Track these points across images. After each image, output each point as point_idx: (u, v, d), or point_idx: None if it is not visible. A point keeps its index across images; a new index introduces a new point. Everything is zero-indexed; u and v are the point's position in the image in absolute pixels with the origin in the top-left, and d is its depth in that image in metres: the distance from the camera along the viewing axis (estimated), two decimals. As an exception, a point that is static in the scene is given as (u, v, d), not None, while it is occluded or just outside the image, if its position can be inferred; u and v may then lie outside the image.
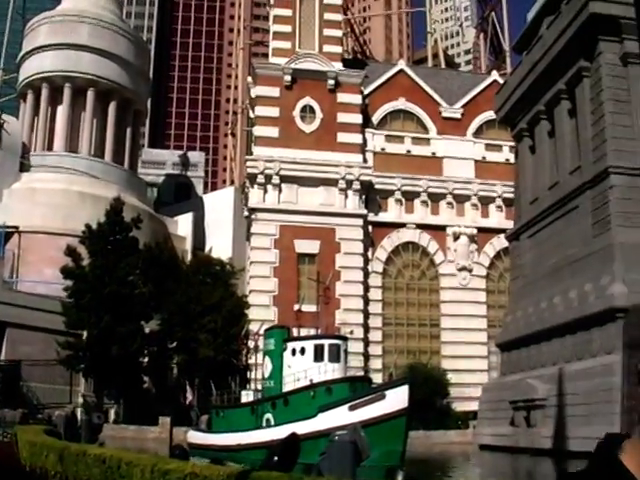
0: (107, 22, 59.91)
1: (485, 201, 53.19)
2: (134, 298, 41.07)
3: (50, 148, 58.56)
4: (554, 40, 23.24)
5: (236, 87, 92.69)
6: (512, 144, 34.58)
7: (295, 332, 30.89)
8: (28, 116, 59.93)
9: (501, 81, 46.36)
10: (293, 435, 8.79)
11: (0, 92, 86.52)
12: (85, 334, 40.48)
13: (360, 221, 50.43)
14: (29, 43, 60.34)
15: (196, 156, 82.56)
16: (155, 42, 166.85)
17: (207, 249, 58.06)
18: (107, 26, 59.69)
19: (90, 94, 58.77)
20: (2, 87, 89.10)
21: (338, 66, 52.66)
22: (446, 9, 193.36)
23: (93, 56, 58.52)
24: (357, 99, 52.14)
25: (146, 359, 43.65)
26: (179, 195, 73.23)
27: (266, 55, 57.26)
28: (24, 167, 56.96)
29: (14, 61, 65.34)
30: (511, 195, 35.85)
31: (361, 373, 39.44)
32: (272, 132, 50.57)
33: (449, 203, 52.87)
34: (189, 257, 56.27)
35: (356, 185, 50.26)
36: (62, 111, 58.78)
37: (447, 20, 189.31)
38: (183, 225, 64.34)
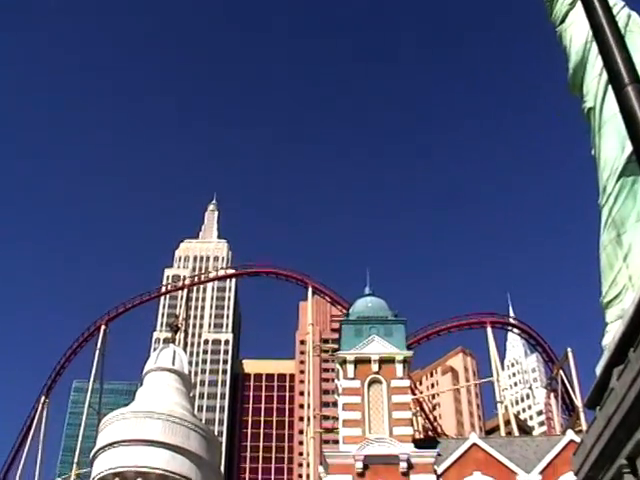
0: (178, 418, 61.17)
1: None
2: None
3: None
4: (626, 390, 22.69)
5: (308, 475, 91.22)
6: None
7: None
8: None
9: (577, 440, 44.58)
10: None
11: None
12: None
13: None
14: (103, 438, 61.54)
15: None
16: (226, 434, 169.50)
17: None
18: (179, 422, 60.86)
19: (162, 490, 58.31)
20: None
21: (409, 447, 51.74)
22: (514, 374, 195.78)
23: (165, 451, 58.98)
24: (431, 479, 50.35)
25: None
26: None
27: (336, 442, 57.12)
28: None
29: (89, 455, 66.10)
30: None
31: None
32: (345, 525, 48.41)
33: None
34: None
35: None
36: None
37: (516, 384, 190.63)
38: None
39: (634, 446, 22.97)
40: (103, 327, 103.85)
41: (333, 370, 67.18)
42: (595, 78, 26.59)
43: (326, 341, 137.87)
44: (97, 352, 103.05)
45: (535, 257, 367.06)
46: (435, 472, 51.14)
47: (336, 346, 65.06)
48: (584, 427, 66.14)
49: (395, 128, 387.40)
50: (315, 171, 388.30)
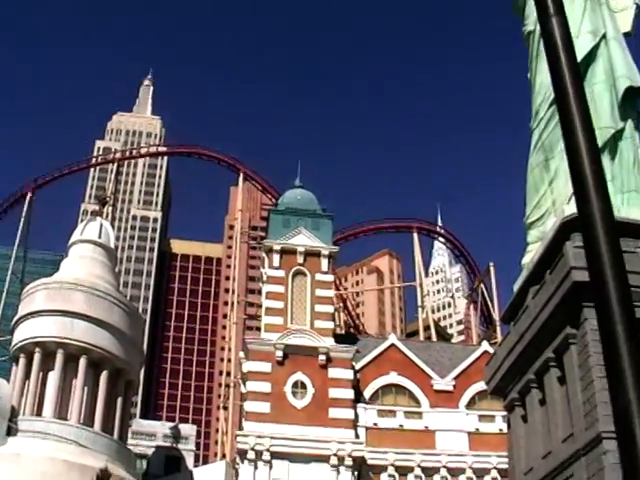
0: (102, 291, 60.78)
1: (480, 473, 51.20)
2: None
3: (39, 413, 56.99)
4: (540, 309, 23.53)
5: (229, 360, 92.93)
6: (505, 414, 33.86)
7: None
8: (19, 379, 58.94)
9: (492, 351, 46.47)
10: None
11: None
12: None
13: (352, 498, 48.33)
14: (25, 307, 60.93)
15: (187, 429, 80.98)
16: (150, 312, 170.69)
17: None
18: (102, 295, 60.50)
19: (82, 362, 58.27)
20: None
21: (330, 341, 52.95)
22: (437, 281, 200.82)
23: (87, 324, 58.77)
24: (349, 374, 51.89)
25: None
26: (169, 467, 70.47)
27: (260, 329, 58.04)
28: (11, 431, 55.00)
29: (9, 323, 65.55)
30: (506, 466, 34.63)
31: None
32: (263, 407, 49.76)
33: (443, 477, 51.00)
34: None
35: (348, 461, 48.63)
36: (53, 377, 57.91)
37: (439, 292, 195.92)
38: (173, 503, 61.16)
39: (542, 363, 23.98)
40: (29, 194, 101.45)
41: (260, 258, 67.56)
42: (537, 2, 26.51)
43: (255, 228, 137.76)
44: (22, 219, 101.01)
45: (467, 172, 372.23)
46: (353, 368, 52.70)
47: (264, 234, 65.19)
48: (500, 340, 68.48)
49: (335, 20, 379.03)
50: (255, 55, 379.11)
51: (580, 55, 24.27)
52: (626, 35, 26.05)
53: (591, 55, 24.94)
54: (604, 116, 24.40)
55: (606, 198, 4.98)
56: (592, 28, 24.89)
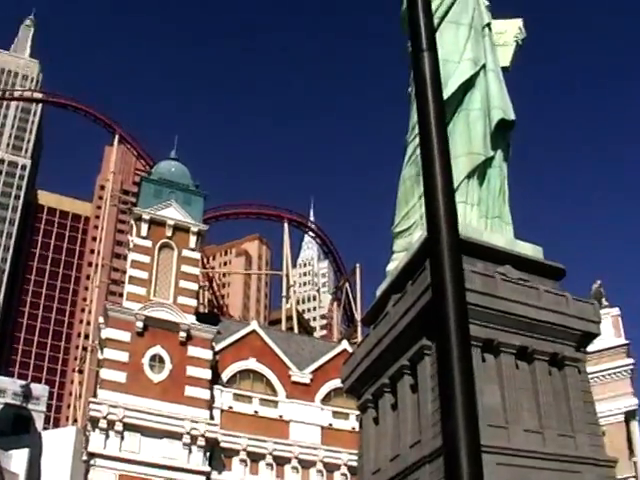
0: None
1: (330, 468, 53.13)
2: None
3: None
4: (399, 318, 24.44)
5: (89, 323, 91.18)
6: (359, 413, 35.16)
7: None
8: None
9: (351, 350, 47.93)
10: None
11: None
12: None
13: (203, 478, 48.79)
14: None
15: (39, 389, 79.21)
16: (10, 263, 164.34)
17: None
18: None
19: None
20: None
21: (191, 319, 53.16)
22: (305, 273, 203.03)
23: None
24: (208, 354, 52.32)
25: None
26: (17, 427, 68.73)
27: (122, 296, 57.49)
28: None
29: None
30: (356, 464, 36.26)
31: None
32: (119, 377, 49.43)
33: (294, 467, 52.42)
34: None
35: (201, 441, 49.10)
36: None
37: (306, 284, 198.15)
38: (17, 461, 59.80)
39: (397, 369, 25.26)
40: None
41: (129, 224, 66.74)
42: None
43: (126, 192, 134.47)
44: None
45: (342, 172, 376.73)
46: (213, 348, 53.23)
47: (135, 201, 64.56)
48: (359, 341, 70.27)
49: None
50: (149, 11, 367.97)
51: (460, 80, 25.82)
52: (504, 69, 27.69)
53: (470, 82, 26.34)
54: (476, 143, 25.86)
55: (455, 231, 5.26)
56: (473, 56, 26.32)
